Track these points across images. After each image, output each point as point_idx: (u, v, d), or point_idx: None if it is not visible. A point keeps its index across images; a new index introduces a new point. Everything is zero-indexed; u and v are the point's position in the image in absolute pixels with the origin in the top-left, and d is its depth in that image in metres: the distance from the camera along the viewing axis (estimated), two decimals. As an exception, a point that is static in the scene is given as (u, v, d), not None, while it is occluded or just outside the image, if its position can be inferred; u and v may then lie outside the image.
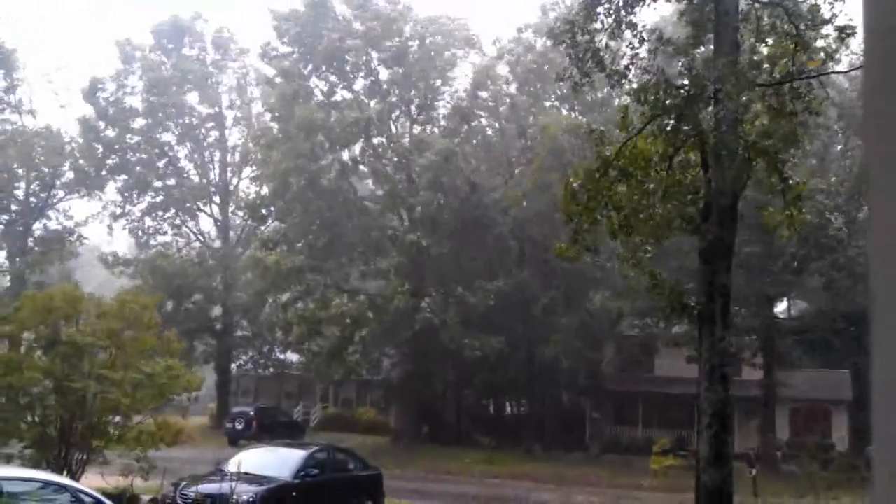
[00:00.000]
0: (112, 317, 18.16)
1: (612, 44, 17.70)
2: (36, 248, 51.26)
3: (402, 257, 39.71)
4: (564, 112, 42.16)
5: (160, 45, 53.58)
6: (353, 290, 40.50)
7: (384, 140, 44.54)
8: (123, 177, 52.61)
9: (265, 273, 41.28)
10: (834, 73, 20.86)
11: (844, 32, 15.78)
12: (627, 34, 17.65)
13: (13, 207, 52.25)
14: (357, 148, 43.60)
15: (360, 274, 42.02)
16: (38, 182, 52.01)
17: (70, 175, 52.05)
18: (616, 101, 33.77)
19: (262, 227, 47.11)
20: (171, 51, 53.66)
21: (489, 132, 45.50)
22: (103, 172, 52.03)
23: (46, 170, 51.06)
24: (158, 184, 53.14)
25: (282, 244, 42.38)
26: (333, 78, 44.77)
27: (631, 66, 17.07)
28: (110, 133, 51.74)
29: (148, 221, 53.89)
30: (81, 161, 51.29)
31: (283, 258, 40.52)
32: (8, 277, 52.49)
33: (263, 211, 45.81)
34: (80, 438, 17.62)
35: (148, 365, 18.27)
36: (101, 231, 55.55)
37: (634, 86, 17.01)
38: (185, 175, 54.04)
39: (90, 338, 17.50)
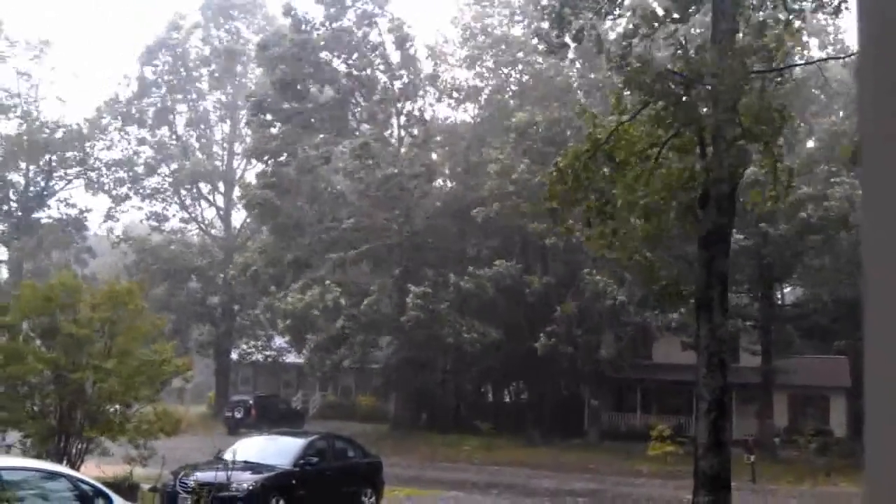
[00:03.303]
0: (104, 305, 18.15)
1: (602, 24, 17.72)
2: (31, 236, 51.27)
3: (383, 250, 39.87)
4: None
5: (194, 24, 53.97)
6: (342, 283, 40.50)
7: (376, 130, 44.70)
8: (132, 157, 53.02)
9: (244, 270, 41.85)
10: (829, 58, 20.88)
11: (836, 12, 15.81)
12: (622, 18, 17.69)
13: (12, 196, 52.32)
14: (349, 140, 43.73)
15: (347, 266, 41.90)
16: (39, 170, 52.16)
17: (75, 160, 52.26)
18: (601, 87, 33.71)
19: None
20: (210, 30, 53.87)
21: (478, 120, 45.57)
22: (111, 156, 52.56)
23: (51, 157, 51.30)
24: (166, 170, 53.31)
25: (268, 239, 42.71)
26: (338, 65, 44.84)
27: (627, 54, 17.02)
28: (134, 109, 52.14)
29: (153, 206, 54.01)
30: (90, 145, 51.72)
31: (254, 258, 41.10)
32: (6, 267, 52.59)
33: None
34: (80, 428, 17.64)
35: (143, 353, 18.28)
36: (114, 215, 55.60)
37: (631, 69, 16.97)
38: (193, 159, 53.90)
39: (85, 328, 17.49)
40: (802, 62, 16.47)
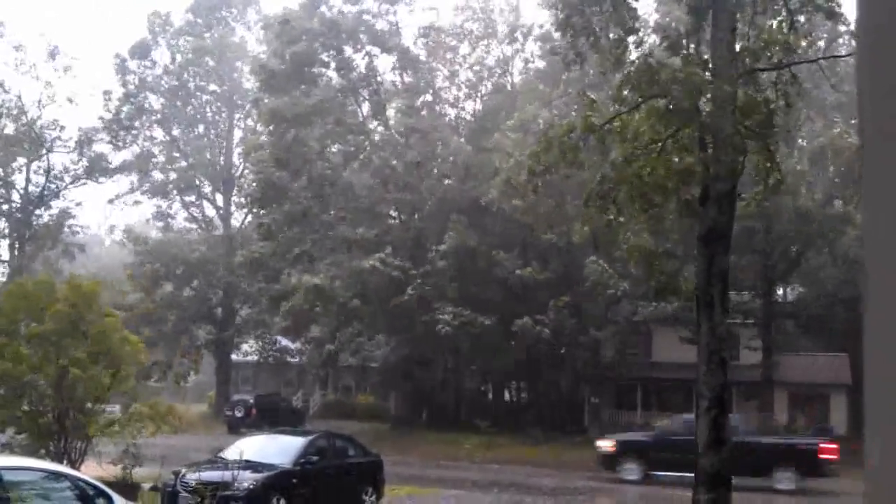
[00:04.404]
0: (71, 303, 18.21)
1: (611, 27, 17.65)
2: (33, 237, 51.33)
3: (385, 244, 39.88)
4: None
5: (187, 22, 53.62)
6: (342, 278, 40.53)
7: (381, 127, 44.68)
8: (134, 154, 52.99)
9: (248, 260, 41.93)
10: (829, 57, 20.87)
11: (834, 17, 15.82)
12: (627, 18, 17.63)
13: (14, 197, 52.41)
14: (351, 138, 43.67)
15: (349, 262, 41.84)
16: (40, 170, 52.31)
17: (75, 161, 52.40)
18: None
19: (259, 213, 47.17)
20: (199, 28, 53.60)
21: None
22: (115, 154, 52.59)
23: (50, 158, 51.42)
24: (167, 166, 53.29)
25: (269, 232, 42.61)
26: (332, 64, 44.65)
27: (622, 58, 16.99)
28: (130, 109, 52.06)
29: (153, 205, 54.00)
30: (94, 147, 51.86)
31: (254, 251, 41.17)
32: (6, 267, 52.62)
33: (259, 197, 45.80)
34: (76, 426, 17.68)
35: (102, 337, 18.27)
36: (114, 214, 56.09)
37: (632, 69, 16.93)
38: (192, 158, 53.69)
39: (50, 325, 17.57)
40: (800, 61, 16.41)
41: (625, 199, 16.27)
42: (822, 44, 33.21)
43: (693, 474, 21.41)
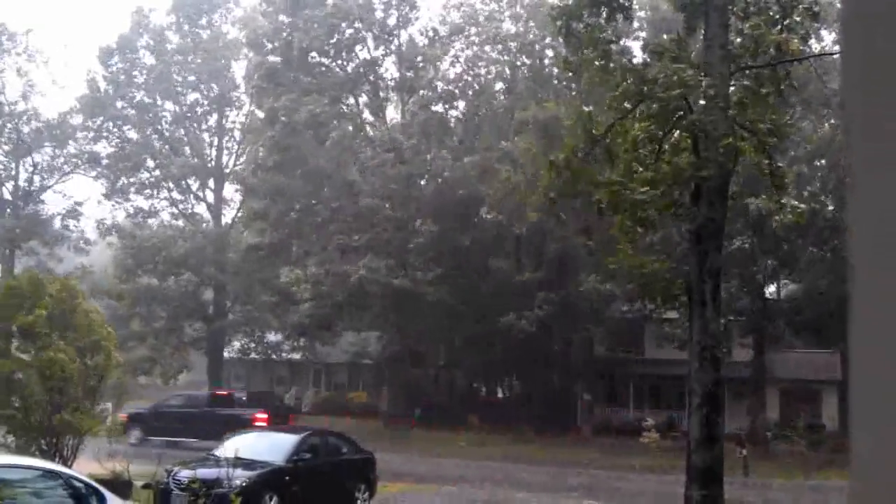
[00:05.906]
0: (59, 298, 18.20)
1: (608, 32, 17.65)
2: (24, 233, 51.12)
3: (381, 241, 39.99)
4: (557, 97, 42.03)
5: (174, 20, 53.21)
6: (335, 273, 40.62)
7: (374, 121, 44.66)
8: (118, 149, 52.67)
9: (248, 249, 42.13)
10: (821, 54, 20.93)
11: (812, 13, 15.91)
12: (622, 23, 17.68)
13: (5, 195, 52.24)
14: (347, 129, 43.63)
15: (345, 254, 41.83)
16: (30, 165, 52.15)
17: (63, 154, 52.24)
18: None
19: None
20: (183, 26, 53.19)
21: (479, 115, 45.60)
22: (101, 147, 52.28)
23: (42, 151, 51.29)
24: (152, 163, 52.95)
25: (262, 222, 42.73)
26: (326, 59, 44.49)
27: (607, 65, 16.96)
28: (116, 103, 51.68)
29: (141, 200, 53.75)
30: (79, 136, 51.56)
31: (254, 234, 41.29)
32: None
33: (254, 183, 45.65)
34: (67, 423, 17.64)
35: (89, 330, 18.22)
36: (103, 208, 55.84)
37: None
38: (181, 154, 53.40)
39: (44, 319, 17.58)
40: (791, 59, 16.44)
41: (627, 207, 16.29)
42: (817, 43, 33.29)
43: (180, 438, 30.24)
